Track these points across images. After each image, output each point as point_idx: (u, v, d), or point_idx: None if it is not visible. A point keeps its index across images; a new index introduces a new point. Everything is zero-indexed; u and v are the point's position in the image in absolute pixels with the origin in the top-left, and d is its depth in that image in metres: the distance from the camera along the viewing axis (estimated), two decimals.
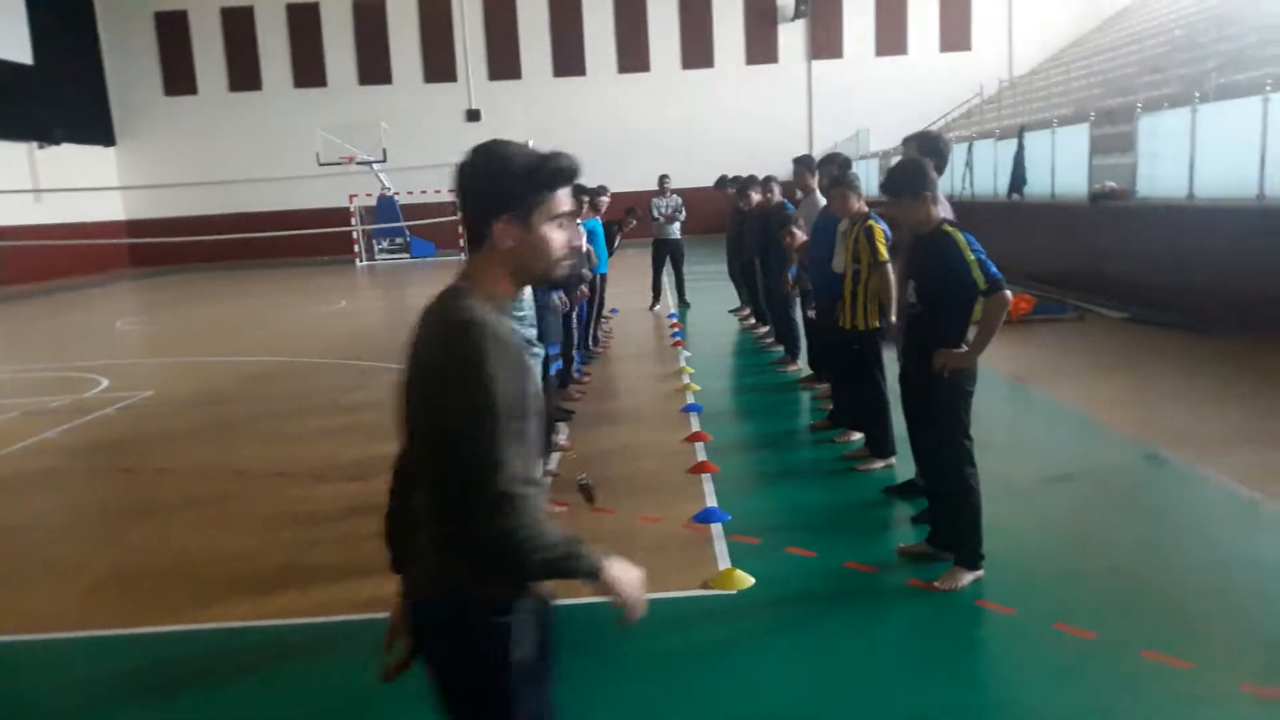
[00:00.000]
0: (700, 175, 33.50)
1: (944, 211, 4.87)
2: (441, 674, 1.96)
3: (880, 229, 5.80)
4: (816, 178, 7.50)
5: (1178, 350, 9.29)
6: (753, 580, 4.41)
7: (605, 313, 12.55)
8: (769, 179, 9.91)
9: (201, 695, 3.78)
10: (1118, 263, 12.33)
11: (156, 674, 3.98)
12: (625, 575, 1.98)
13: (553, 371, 5.38)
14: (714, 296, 14.81)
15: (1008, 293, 4.07)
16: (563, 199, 1.97)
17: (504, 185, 1.90)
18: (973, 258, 4.08)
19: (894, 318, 5.51)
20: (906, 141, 5.21)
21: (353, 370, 10.84)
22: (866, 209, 6.00)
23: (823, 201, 7.20)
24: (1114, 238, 12.45)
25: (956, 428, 4.27)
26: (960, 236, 4.14)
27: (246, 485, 6.54)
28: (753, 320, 12.14)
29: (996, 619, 3.98)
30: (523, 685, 1.95)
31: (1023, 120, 23.97)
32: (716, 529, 5.13)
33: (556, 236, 1.96)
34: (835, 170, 6.56)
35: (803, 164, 7.89)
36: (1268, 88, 9.95)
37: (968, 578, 4.27)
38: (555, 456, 6.63)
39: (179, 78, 35.97)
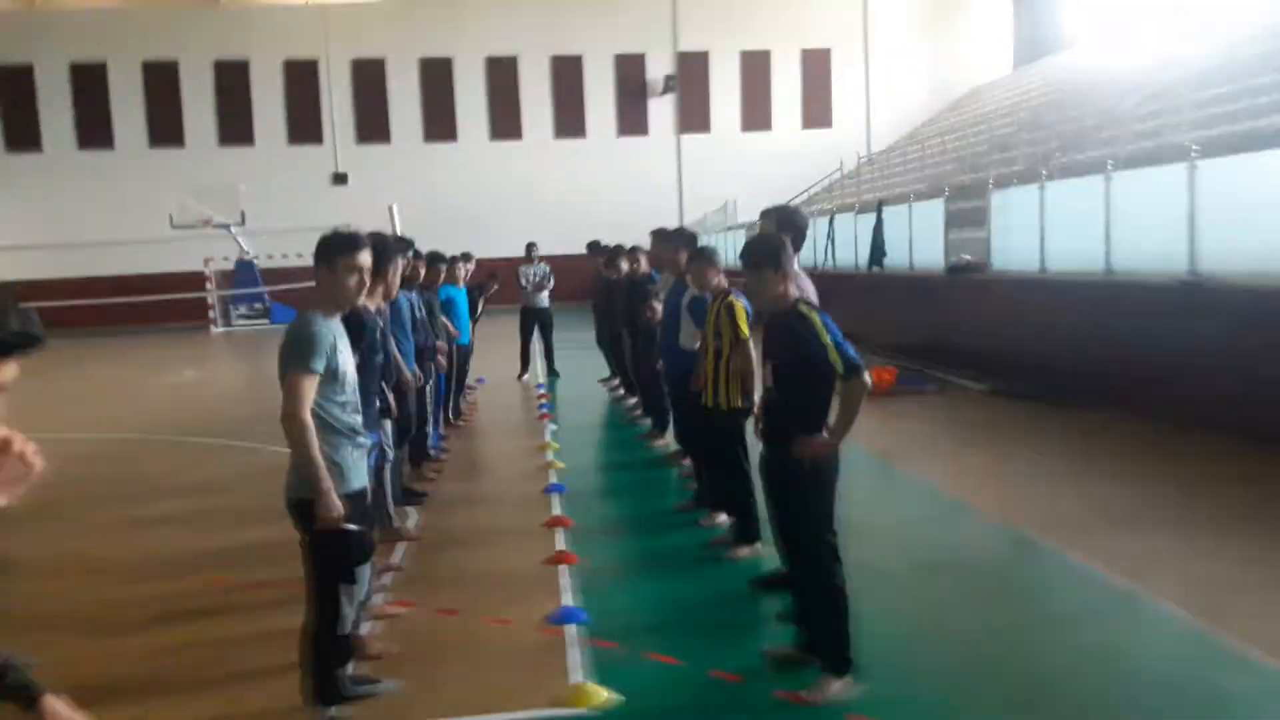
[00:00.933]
0: (572, 243, 33.26)
1: (805, 285, 4.70)
2: None
3: (741, 305, 5.58)
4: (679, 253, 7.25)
5: (1037, 424, 9.42)
6: (605, 695, 3.99)
7: (471, 382, 12.09)
8: (635, 249, 9.71)
9: None
10: (975, 334, 12.60)
11: None
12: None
13: (373, 460, 4.87)
14: (584, 365, 14.48)
15: (866, 377, 3.86)
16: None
17: None
18: (829, 340, 3.85)
19: (756, 396, 5.28)
20: (765, 215, 5.02)
21: (187, 449, 10.03)
22: (726, 284, 5.79)
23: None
24: (971, 309, 12.74)
25: (820, 522, 4.00)
26: (816, 318, 3.92)
27: (53, 585, 5.83)
28: (621, 391, 11.87)
29: None
30: None
31: (881, 194, 24.82)
32: (571, 632, 4.70)
33: None
34: (682, 246, 6.38)
35: (658, 238, 7.67)
36: (1110, 165, 10.37)
37: (836, 685, 3.95)
38: (400, 548, 6.12)
39: (21, 133, 33.99)
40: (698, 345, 6.09)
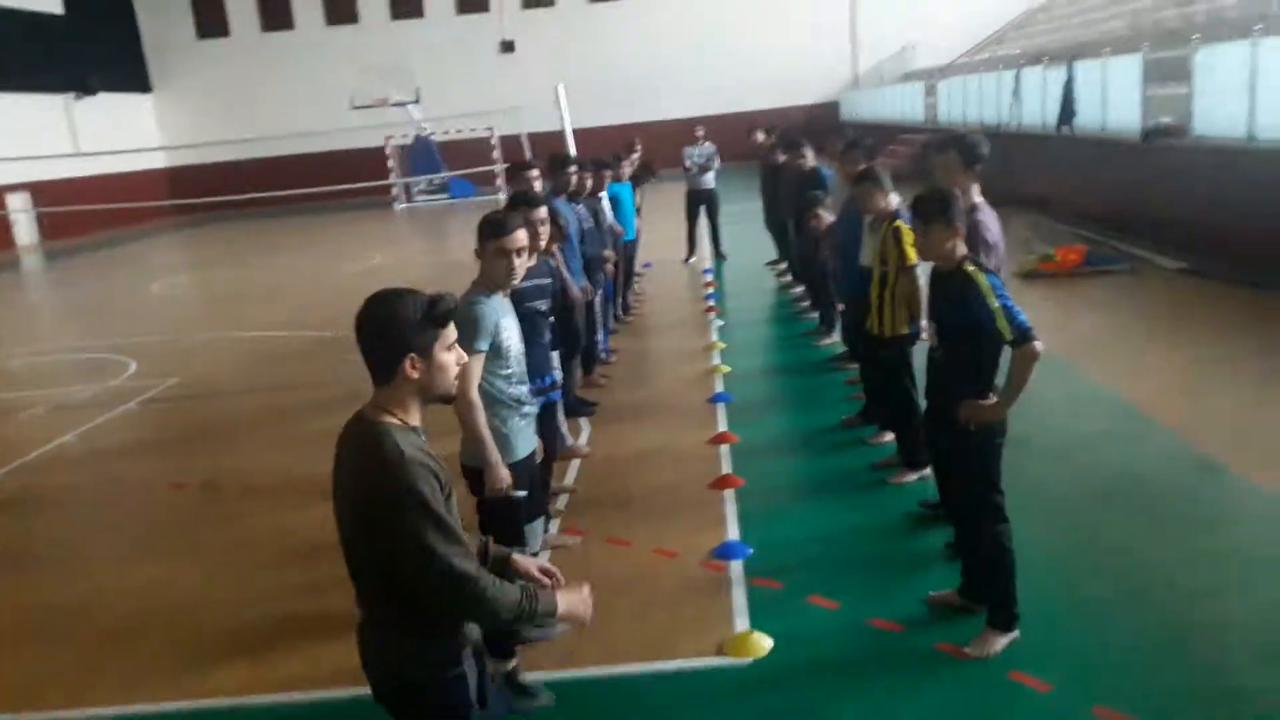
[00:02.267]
0: (740, 100, 32.65)
1: (987, 219, 4.47)
2: None
3: (909, 229, 5.33)
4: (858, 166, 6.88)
5: (1235, 314, 8.70)
6: (770, 644, 4.12)
7: (638, 269, 12.21)
8: (798, 140, 9.32)
9: None
10: (1172, 205, 11.58)
11: None
12: (573, 608, 2.45)
13: (543, 402, 5.03)
14: (751, 245, 14.29)
15: (1038, 344, 3.65)
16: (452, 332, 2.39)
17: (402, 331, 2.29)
18: (997, 304, 3.66)
19: (924, 322, 5.11)
20: (941, 148, 4.72)
21: None
22: (894, 207, 5.54)
23: None
24: (1168, 178, 11.69)
25: (985, 484, 3.91)
26: (984, 280, 3.72)
27: (259, 505, 6.39)
28: (790, 277, 11.70)
29: (1031, 698, 3.65)
30: None
31: (1074, 36, 22.74)
32: (735, 568, 4.85)
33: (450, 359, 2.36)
34: (862, 158, 6.07)
35: (841, 150, 7.25)
36: None
37: (1001, 641, 3.94)
38: (573, 466, 6.39)
39: (211, 20, 35.63)
40: None
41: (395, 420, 2.32)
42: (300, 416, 8.33)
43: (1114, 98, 13.61)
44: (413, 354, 2.30)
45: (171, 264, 23.11)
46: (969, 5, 32.81)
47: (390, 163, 30.36)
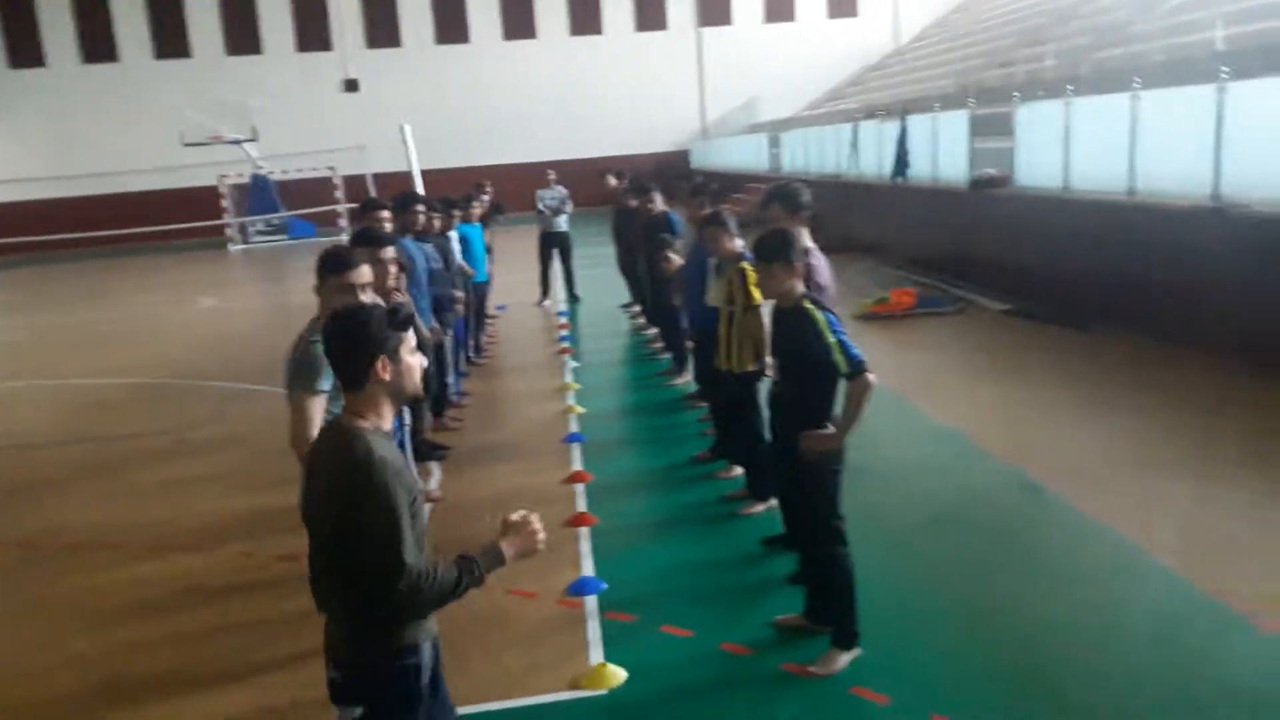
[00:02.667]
0: (591, 146, 33.15)
1: (818, 264, 4.69)
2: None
3: (753, 270, 5.55)
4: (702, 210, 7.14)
5: (1055, 352, 9.37)
6: (624, 676, 4.17)
7: (492, 310, 12.18)
8: (649, 188, 9.56)
9: None
10: (997, 250, 12.46)
11: None
12: (522, 547, 2.73)
13: (401, 440, 4.97)
14: (604, 288, 14.48)
15: (871, 376, 3.88)
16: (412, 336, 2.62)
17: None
18: (833, 339, 3.88)
19: (767, 359, 5.32)
20: (769, 198, 4.97)
21: (208, 395, 10.22)
22: (740, 249, 5.76)
23: None
24: (993, 225, 12.55)
25: (825, 508, 4.11)
26: (820, 316, 3.94)
27: (78, 562, 5.97)
28: (643, 319, 11.89)
29: (872, 711, 3.83)
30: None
31: (906, 92, 24.21)
32: (591, 604, 4.88)
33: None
34: (706, 203, 6.31)
35: (687, 191, 7.55)
36: (1136, 84, 10.06)
37: (844, 659, 4.12)
38: (426, 510, 6.28)
39: (24, 49, 33.56)
40: None
41: (368, 424, 2.52)
42: (126, 467, 7.89)
43: (944, 150, 14.53)
44: (384, 356, 2.50)
45: None
46: (809, 62, 34.51)
47: (225, 202, 29.19)
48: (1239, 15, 13.65)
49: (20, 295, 22.71)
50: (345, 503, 2.41)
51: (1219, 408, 7.27)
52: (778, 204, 4.84)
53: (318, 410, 3.61)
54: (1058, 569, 5.03)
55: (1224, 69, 8.78)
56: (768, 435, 4.63)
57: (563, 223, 13.93)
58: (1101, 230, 10.06)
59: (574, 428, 7.90)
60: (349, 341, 2.52)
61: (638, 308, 12.39)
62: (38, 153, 32.63)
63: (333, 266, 3.73)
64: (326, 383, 3.61)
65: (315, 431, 3.57)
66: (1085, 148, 10.90)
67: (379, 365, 2.50)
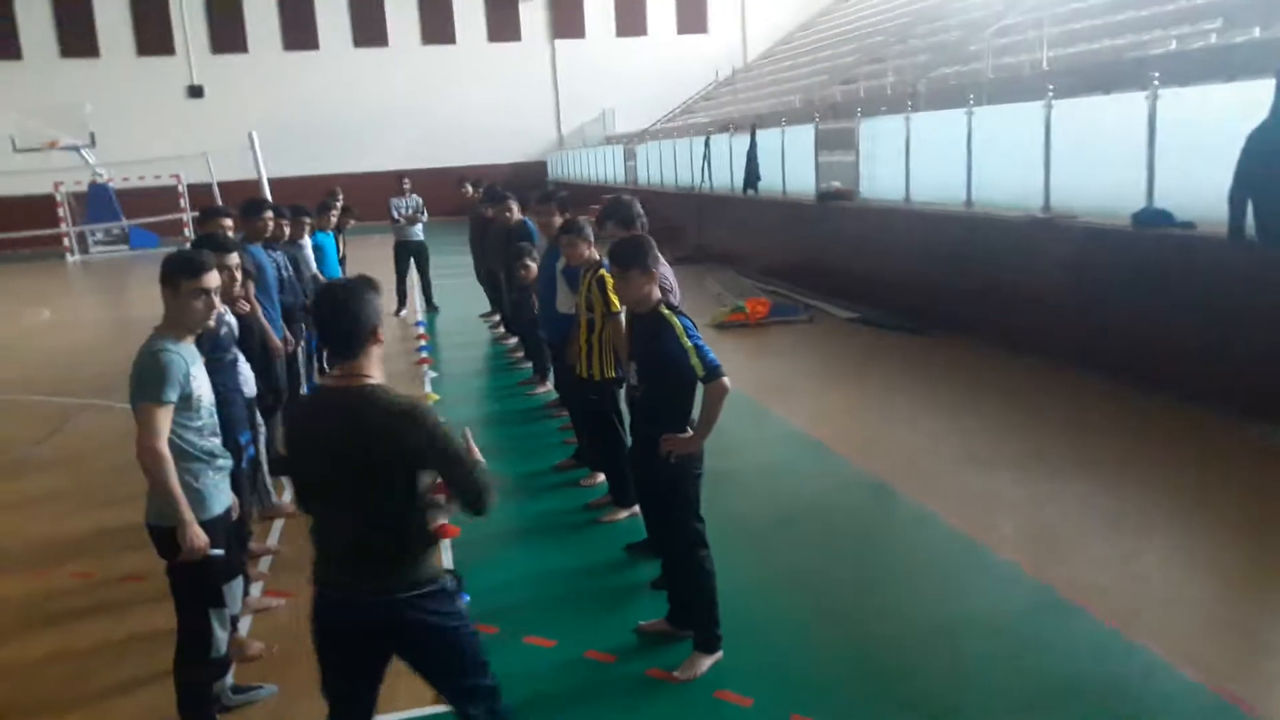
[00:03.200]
0: (446, 155, 32.73)
1: (663, 270, 4.77)
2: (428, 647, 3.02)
3: (611, 277, 5.61)
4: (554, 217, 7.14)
5: (900, 357, 9.81)
6: None
7: None
8: (506, 197, 9.53)
9: None
10: (845, 261, 12.94)
11: None
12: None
13: (245, 462, 4.82)
14: (463, 298, 14.32)
15: (726, 380, 3.97)
16: None
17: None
18: (689, 344, 3.96)
19: (628, 366, 5.37)
20: (604, 215, 5.09)
21: (46, 409, 9.61)
22: (597, 257, 5.80)
23: None
24: (840, 237, 13.05)
25: (686, 510, 4.17)
26: (677, 321, 4.01)
27: None
28: (502, 329, 11.82)
29: (735, 713, 3.90)
30: None
31: (755, 106, 24.91)
32: None
33: None
34: (558, 212, 6.37)
35: (538, 199, 7.55)
36: (970, 100, 10.66)
37: (707, 662, 4.18)
38: (277, 526, 6.08)
39: None
40: (573, 310, 6.12)
41: (377, 379, 2.87)
42: None
43: (792, 164, 15.01)
44: (378, 325, 2.88)
45: None
46: (661, 76, 35.04)
47: (61, 210, 27.48)
48: (1060, 37, 14.64)
49: None
50: (412, 437, 2.77)
51: (1048, 405, 7.77)
52: (611, 222, 4.95)
53: (165, 421, 3.44)
54: (906, 566, 5.24)
55: (1050, 87, 9.39)
56: (629, 441, 4.69)
57: (418, 231, 13.71)
58: (940, 240, 10.60)
59: None
60: (355, 313, 2.82)
61: (497, 317, 12.31)
62: None
63: (185, 269, 3.56)
64: (174, 393, 3.46)
65: (163, 443, 3.42)
66: (925, 162, 11.47)
67: (380, 332, 2.88)
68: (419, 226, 13.70)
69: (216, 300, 3.68)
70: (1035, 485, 6.15)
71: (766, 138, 16.05)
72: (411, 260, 13.85)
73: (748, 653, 4.29)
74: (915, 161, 11.59)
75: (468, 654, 3.08)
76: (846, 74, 23.26)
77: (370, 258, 15.54)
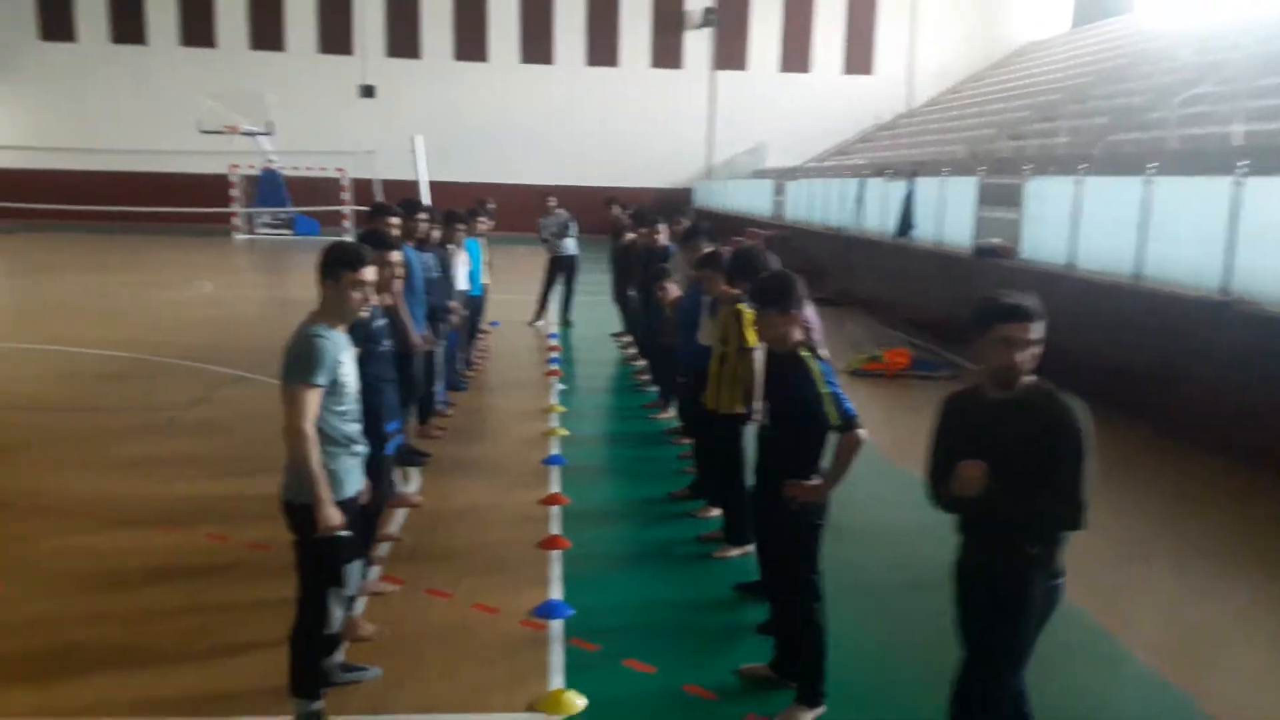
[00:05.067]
0: (596, 175, 33.31)
1: (809, 316, 4.66)
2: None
3: (750, 313, 5.53)
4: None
5: None
6: (582, 703, 4.09)
7: (484, 326, 12.15)
8: (655, 220, 9.55)
9: None
10: None
11: None
12: None
13: (391, 449, 4.95)
14: (598, 315, 14.48)
15: (862, 432, 3.85)
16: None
17: None
18: (826, 390, 3.85)
19: (757, 404, 5.28)
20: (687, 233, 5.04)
21: (199, 376, 10.14)
22: (736, 291, 5.73)
23: None
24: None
25: (804, 560, 4.04)
26: (816, 366, 3.91)
27: (47, 527, 5.93)
28: (634, 350, 11.87)
29: None
30: None
31: (915, 153, 24.44)
32: (555, 628, 4.80)
33: None
34: (701, 244, 6.37)
35: (685, 235, 7.50)
36: (1149, 169, 10.15)
37: (808, 717, 4.04)
38: (400, 515, 6.22)
39: (57, 23, 33.83)
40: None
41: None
42: (107, 440, 7.84)
43: (950, 215, 14.61)
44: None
45: None
46: (820, 114, 34.79)
47: (234, 191, 29.26)
48: (1258, 112, 13.84)
49: (27, 261, 22.62)
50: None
51: (1213, 501, 7.25)
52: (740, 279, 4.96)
53: (314, 403, 3.57)
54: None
55: (1241, 163, 8.84)
56: (750, 480, 4.60)
57: (571, 246, 13.96)
58: (1104, 311, 10.07)
59: (555, 450, 7.85)
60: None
61: (629, 338, 12.38)
62: (59, 124, 32.76)
63: (346, 261, 3.69)
64: (324, 377, 3.58)
65: (310, 424, 3.54)
66: (1094, 229, 10.95)
67: None
68: (571, 241, 13.95)
69: (372, 293, 3.79)
70: (1188, 582, 5.74)
71: (925, 186, 15.70)
72: (562, 276, 14.11)
73: (853, 713, 4.13)
74: (1083, 227, 11.09)
75: None
76: (1016, 129, 22.59)
77: (515, 267, 15.93)
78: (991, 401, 3.13)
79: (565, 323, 14.27)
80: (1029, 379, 3.08)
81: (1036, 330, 3.07)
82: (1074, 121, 20.31)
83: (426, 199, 17.37)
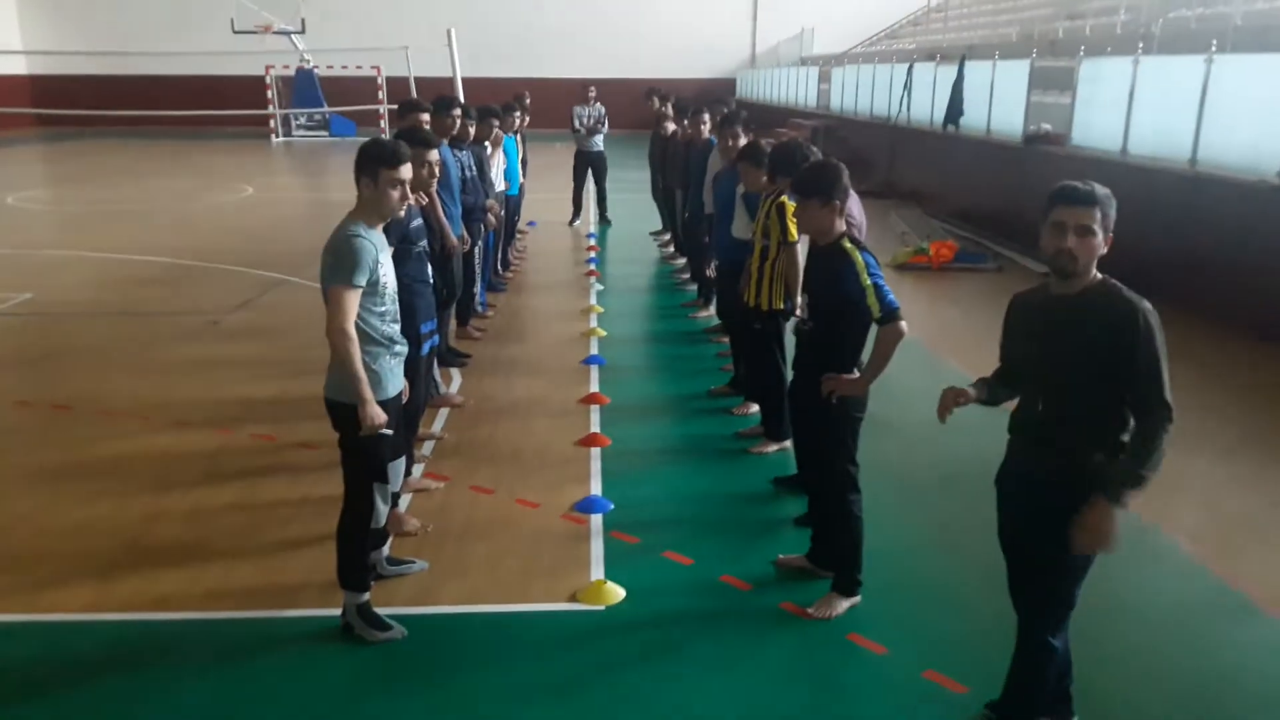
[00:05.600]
0: (634, 66, 32.55)
1: (852, 207, 4.57)
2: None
3: (792, 206, 5.42)
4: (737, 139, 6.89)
5: None
6: (622, 594, 4.19)
7: (522, 226, 12.10)
8: (699, 111, 9.26)
9: (21, 709, 3.46)
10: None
11: None
12: None
13: (425, 350, 4.99)
14: (636, 212, 14.35)
15: (903, 324, 3.79)
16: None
17: None
18: (869, 283, 3.78)
19: (798, 299, 5.22)
20: (723, 122, 4.92)
21: (242, 280, 10.27)
22: (778, 184, 5.61)
23: None
24: (1044, 183, 12.17)
25: (841, 453, 4.05)
26: (859, 257, 3.83)
27: (106, 429, 6.12)
28: (671, 248, 11.78)
29: (866, 659, 3.82)
30: None
31: (966, 37, 23.51)
32: (596, 522, 4.90)
33: None
34: (736, 132, 6.22)
35: (723, 120, 7.28)
36: (1213, 46, 9.68)
37: (843, 605, 4.11)
38: (442, 415, 6.32)
39: None
40: (750, 237, 5.99)
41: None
42: (156, 343, 8.03)
43: (1000, 101, 14.12)
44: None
45: (28, 176, 21.70)
46: None
47: (270, 93, 29.06)
48: None
49: (68, 168, 22.88)
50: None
51: (1256, 388, 7.13)
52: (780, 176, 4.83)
53: (354, 303, 3.60)
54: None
55: None
56: (789, 374, 4.58)
57: (598, 142, 13.73)
58: (1156, 200, 9.76)
59: (594, 350, 7.88)
60: None
61: (667, 236, 12.26)
62: (92, 29, 32.57)
63: (384, 159, 3.66)
64: (363, 277, 3.59)
65: (351, 324, 3.57)
66: (1149, 112, 10.54)
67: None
68: (599, 137, 13.72)
69: (410, 192, 3.77)
70: (1225, 468, 5.69)
71: (975, 70, 15.15)
72: (589, 171, 13.91)
73: (887, 603, 4.19)
74: (1138, 110, 10.66)
75: None
76: (1073, 8, 21.56)
77: (550, 164, 15.77)
78: (1054, 298, 2.93)
79: (603, 220, 14.15)
80: (1094, 276, 2.87)
81: (1092, 216, 2.83)
82: None
83: (460, 95, 17.12)
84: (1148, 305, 2.83)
